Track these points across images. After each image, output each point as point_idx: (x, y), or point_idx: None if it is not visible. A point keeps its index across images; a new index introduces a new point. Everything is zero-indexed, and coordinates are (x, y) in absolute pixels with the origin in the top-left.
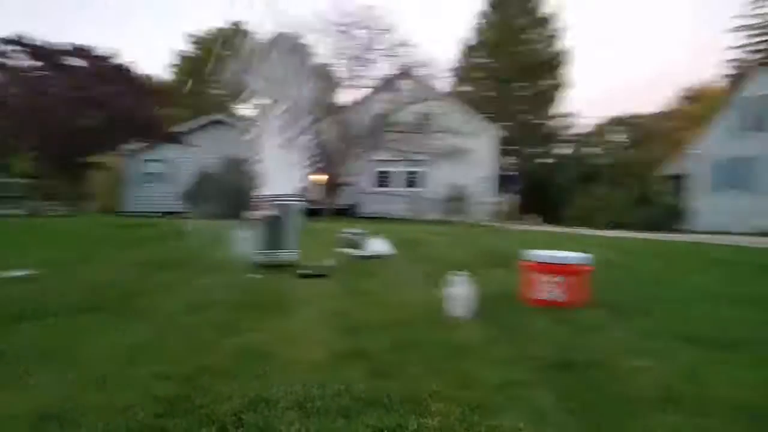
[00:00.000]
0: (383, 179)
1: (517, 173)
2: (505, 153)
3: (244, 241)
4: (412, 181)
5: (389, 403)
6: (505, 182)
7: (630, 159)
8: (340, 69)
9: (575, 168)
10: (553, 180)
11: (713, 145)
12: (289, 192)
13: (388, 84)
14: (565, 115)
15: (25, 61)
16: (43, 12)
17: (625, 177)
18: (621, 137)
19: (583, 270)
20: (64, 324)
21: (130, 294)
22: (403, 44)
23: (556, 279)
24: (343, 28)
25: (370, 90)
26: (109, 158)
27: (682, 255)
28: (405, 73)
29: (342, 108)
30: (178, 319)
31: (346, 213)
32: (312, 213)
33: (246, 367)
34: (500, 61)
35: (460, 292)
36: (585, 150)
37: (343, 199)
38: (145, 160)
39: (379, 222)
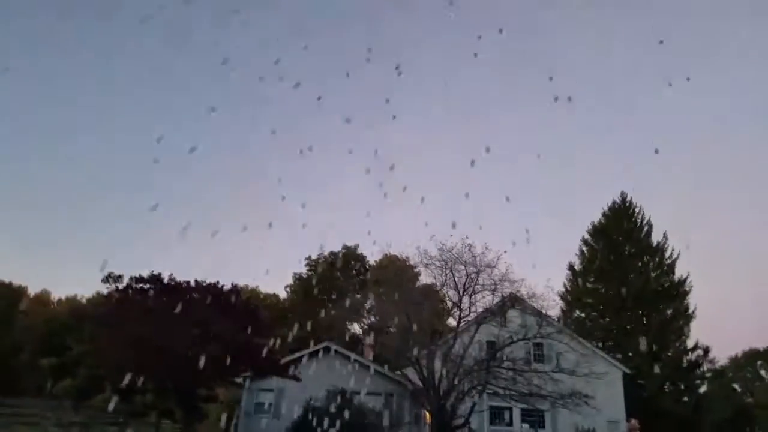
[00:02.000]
0: (497, 420)
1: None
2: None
3: None
4: (530, 422)
5: None
6: None
7: None
8: (447, 299)
9: (717, 409)
10: (692, 424)
11: None
12: None
13: (496, 315)
14: (695, 348)
15: (154, 298)
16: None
17: None
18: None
19: None
20: None
21: None
22: (505, 279)
23: None
24: (443, 263)
25: (478, 320)
26: (224, 390)
27: None
28: (514, 304)
29: (451, 337)
30: None
31: None
32: None
33: None
34: (611, 288)
35: None
36: (723, 389)
37: None
38: (258, 390)
39: None
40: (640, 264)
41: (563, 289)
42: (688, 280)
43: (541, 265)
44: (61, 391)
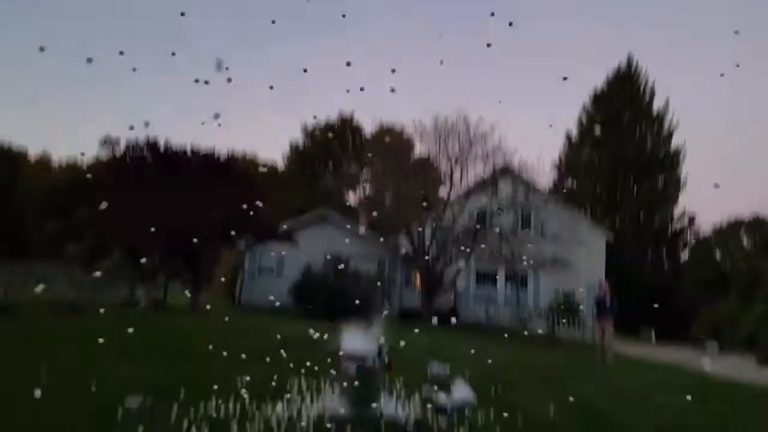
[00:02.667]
0: (483, 281)
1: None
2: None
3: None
4: (515, 285)
5: None
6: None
7: (763, 266)
8: (441, 168)
9: (699, 275)
10: (673, 289)
11: None
12: (366, 349)
13: (487, 185)
14: (681, 217)
15: (151, 164)
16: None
17: (759, 287)
18: (747, 240)
19: None
20: None
21: None
22: (499, 149)
23: None
24: (438, 135)
25: (469, 191)
26: (227, 254)
27: None
28: (504, 174)
29: (442, 207)
30: None
31: (443, 318)
32: (408, 315)
33: None
34: (606, 158)
35: None
36: (706, 255)
37: (441, 303)
38: (259, 256)
39: (476, 335)
40: (638, 133)
41: (558, 159)
42: (682, 150)
43: (539, 137)
44: (71, 254)
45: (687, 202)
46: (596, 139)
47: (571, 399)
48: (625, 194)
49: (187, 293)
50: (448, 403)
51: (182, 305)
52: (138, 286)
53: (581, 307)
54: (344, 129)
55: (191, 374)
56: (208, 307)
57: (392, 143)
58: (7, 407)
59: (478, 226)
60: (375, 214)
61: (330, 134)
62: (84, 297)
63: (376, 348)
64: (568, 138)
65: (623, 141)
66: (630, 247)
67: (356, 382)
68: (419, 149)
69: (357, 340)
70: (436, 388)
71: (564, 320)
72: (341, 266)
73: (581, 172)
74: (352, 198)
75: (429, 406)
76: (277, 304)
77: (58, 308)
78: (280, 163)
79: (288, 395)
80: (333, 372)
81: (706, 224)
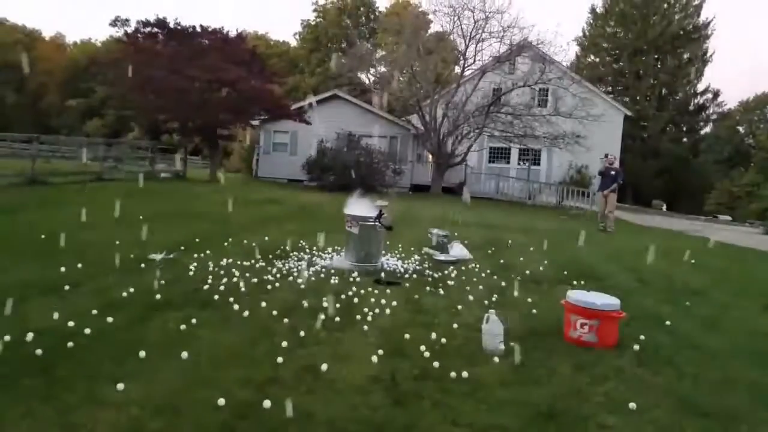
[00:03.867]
0: (496, 158)
1: (616, 169)
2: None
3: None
4: (526, 160)
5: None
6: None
7: None
8: (455, 45)
9: (717, 150)
10: (690, 164)
11: None
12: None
13: (502, 62)
14: (705, 92)
15: (163, 43)
16: None
17: None
18: None
19: (615, 316)
20: (184, 318)
21: (237, 293)
22: (514, 26)
23: (590, 322)
24: (452, 9)
25: (484, 68)
26: (242, 131)
27: None
28: (521, 52)
29: (455, 84)
30: (271, 323)
31: (454, 191)
32: (419, 189)
33: (301, 381)
34: (630, 32)
35: (491, 329)
36: (727, 131)
37: (451, 178)
38: (273, 132)
39: (482, 205)
40: (665, 5)
41: (581, 35)
42: (711, 23)
43: (561, 9)
44: (92, 130)
45: (712, 77)
46: (621, 11)
47: (562, 257)
48: (647, 69)
49: (205, 167)
50: (442, 258)
51: (201, 177)
52: (158, 160)
53: (593, 180)
54: (357, 6)
55: (208, 234)
56: (221, 176)
57: (406, 20)
58: (50, 249)
59: (491, 104)
60: (387, 92)
61: (342, 9)
62: (107, 168)
63: (376, 212)
64: (593, 11)
65: (649, 14)
66: (651, 124)
67: (359, 239)
68: (434, 26)
69: (360, 206)
70: (434, 247)
71: (574, 192)
72: (353, 141)
73: (604, 46)
74: (364, 77)
75: (426, 263)
76: (292, 178)
77: (85, 178)
78: (294, 44)
79: (295, 253)
80: (348, 229)
81: (732, 101)
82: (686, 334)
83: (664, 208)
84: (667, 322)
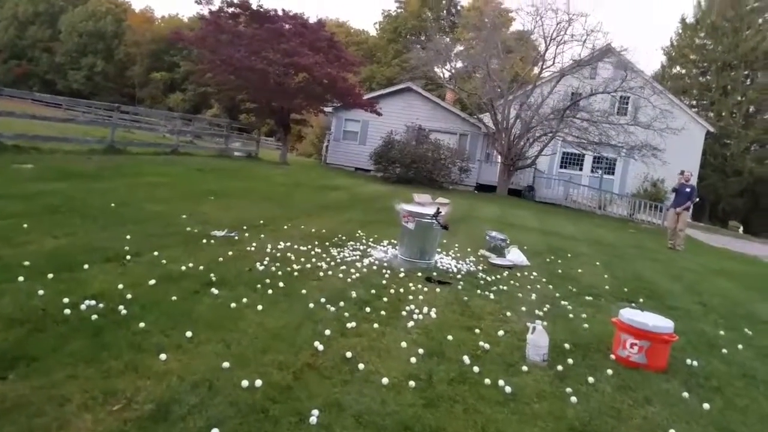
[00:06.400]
0: (568, 164)
1: (691, 186)
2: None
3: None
4: (600, 168)
5: None
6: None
7: None
8: (535, 45)
9: None
10: None
11: None
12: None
13: (582, 66)
14: None
15: (244, 24)
16: None
17: None
18: None
19: (667, 339)
20: (235, 296)
21: (289, 277)
22: (598, 30)
23: (641, 343)
24: (535, 9)
25: (563, 70)
26: (314, 116)
27: None
28: (603, 57)
29: (531, 85)
30: (317, 310)
31: (521, 194)
32: (485, 189)
33: (338, 371)
34: (721, 45)
35: (535, 340)
36: None
37: (520, 179)
38: (345, 120)
39: (548, 211)
40: (760, 20)
41: (668, 44)
42: None
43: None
44: (174, 103)
45: None
46: (713, 23)
47: (624, 272)
48: (736, 84)
49: (278, 148)
50: (498, 262)
51: (272, 158)
52: (234, 138)
53: (668, 195)
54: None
55: (270, 215)
56: (288, 160)
57: (487, 16)
58: (118, 218)
59: (567, 108)
60: (461, 88)
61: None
62: (184, 143)
63: (434, 210)
64: (683, 21)
65: (742, 28)
66: (734, 142)
67: (414, 236)
68: (515, 24)
69: (420, 202)
70: (491, 249)
71: (646, 206)
72: (423, 135)
73: (691, 58)
74: (440, 71)
75: (481, 266)
76: (360, 167)
77: (160, 150)
78: (373, 33)
79: (351, 243)
80: (404, 224)
81: None
82: (742, 364)
83: (741, 230)
84: (724, 350)
